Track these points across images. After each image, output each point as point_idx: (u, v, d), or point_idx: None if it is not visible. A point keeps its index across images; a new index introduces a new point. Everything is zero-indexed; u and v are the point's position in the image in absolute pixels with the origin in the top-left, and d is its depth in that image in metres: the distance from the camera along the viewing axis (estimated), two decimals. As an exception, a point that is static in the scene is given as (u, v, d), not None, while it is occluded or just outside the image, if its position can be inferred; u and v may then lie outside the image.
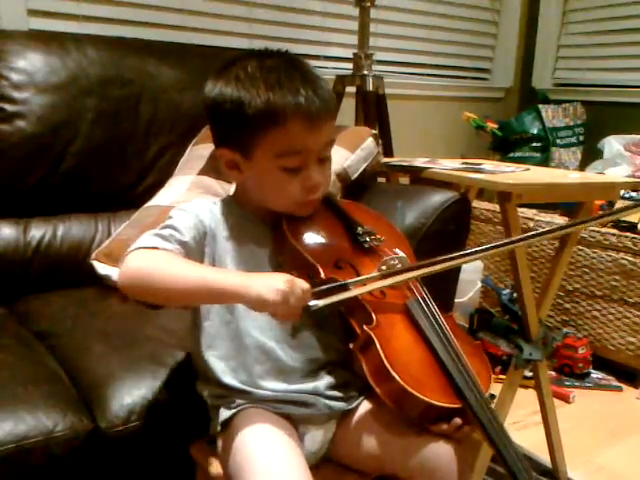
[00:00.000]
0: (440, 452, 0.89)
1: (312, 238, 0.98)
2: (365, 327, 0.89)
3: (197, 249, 0.95)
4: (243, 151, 0.94)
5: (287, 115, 0.90)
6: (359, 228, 1.02)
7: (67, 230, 1.58)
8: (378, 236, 1.02)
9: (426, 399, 0.85)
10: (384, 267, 0.94)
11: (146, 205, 1.60)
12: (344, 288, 0.89)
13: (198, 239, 0.95)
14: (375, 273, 0.93)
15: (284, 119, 0.90)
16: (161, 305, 0.99)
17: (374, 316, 0.91)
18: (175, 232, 0.93)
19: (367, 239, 1.01)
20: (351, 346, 0.91)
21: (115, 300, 1.41)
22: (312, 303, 0.84)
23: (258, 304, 0.82)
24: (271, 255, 0.98)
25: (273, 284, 0.82)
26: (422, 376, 0.88)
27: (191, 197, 1.50)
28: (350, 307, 0.93)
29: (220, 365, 0.96)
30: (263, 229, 1.00)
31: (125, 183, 1.67)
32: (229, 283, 0.84)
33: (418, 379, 0.87)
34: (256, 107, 0.90)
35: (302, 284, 0.84)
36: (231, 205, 1.03)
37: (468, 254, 0.97)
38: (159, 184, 1.65)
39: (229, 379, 0.95)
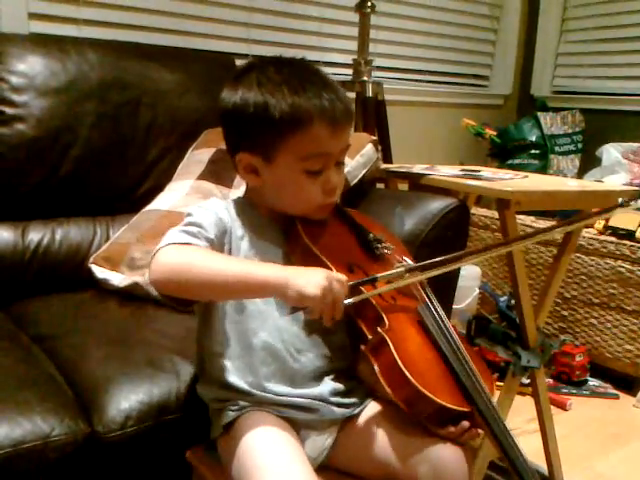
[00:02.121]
0: (444, 455, 0.89)
1: (326, 240, 0.99)
2: (379, 329, 0.90)
3: (219, 247, 0.96)
4: (265, 155, 0.95)
5: (313, 118, 0.91)
6: (370, 235, 1.03)
7: (65, 233, 1.58)
8: (388, 244, 1.04)
9: (439, 401, 0.86)
10: None
11: (145, 209, 1.60)
12: (374, 282, 0.91)
13: (219, 236, 0.96)
14: (401, 269, 0.94)
15: (310, 122, 0.91)
16: (194, 300, 1.00)
17: (386, 319, 0.91)
18: (201, 229, 0.93)
19: (378, 246, 1.02)
20: (362, 348, 0.91)
21: (113, 304, 1.41)
22: (346, 301, 0.86)
23: (298, 299, 0.83)
24: (283, 257, 0.99)
25: (313, 279, 0.83)
26: (434, 379, 0.89)
27: (190, 202, 1.50)
28: (362, 310, 0.93)
29: (227, 364, 0.96)
30: (275, 231, 1.01)
31: (124, 187, 1.67)
32: (270, 277, 0.85)
33: (430, 381, 0.87)
34: (282, 110, 0.91)
35: (340, 277, 0.85)
36: (243, 206, 1.03)
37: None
38: (158, 188, 1.65)
39: (235, 379, 0.95)
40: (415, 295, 1.00)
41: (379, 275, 0.92)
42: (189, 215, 0.97)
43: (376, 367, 0.89)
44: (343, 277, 0.86)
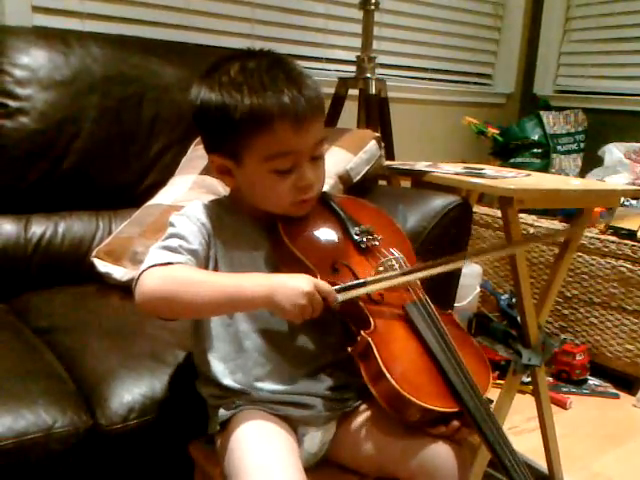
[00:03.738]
0: (440, 452, 0.89)
1: (308, 240, 0.97)
2: (363, 333, 0.89)
3: (205, 254, 0.95)
4: (233, 156, 0.94)
5: (273, 118, 0.88)
6: (356, 228, 1.01)
7: (68, 227, 1.58)
8: (375, 235, 1.01)
9: (423, 404, 0.85)
10: (381, 268, 0.96)
11: (148, 204, 1.60)
12: (362, 285, 0.91)
13: (204, 244, 0.95)
14: (396, 271, 0.94)
15: (271, 122, 0.88)
16: (179, 319, 1.01)
17: (372, 321, 0.91)
18: (183, 241, 0.92)
19: (364, 239, 1.00)
20: (349, 350, 0.91)
21: (115, 297, 1.42)
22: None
23: (280, 314, 0.86)
24: (267, 257, 0.98)
25: (293, 293, 0.84)
26: (420, 381, 0.88)
27: (193, 196, 1.50)
28: (348, 311, 0.93)
29: (220, 367, 0.96)
30: (259, 231, 0.99)
31: (127, 181, 1.67)
32: (255, 293, 0.86)
33: (416, 384, 0.87)
34: (241, 112, 0.89)
35: (324, 287, 0.86)
36: (227, 207, 1.02)
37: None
38: (161, 183, 1.66)
39: (228, 381, 0.95)
40: (405, 293, 0.98)
41: (369, 279, 0.91)
42: (171, 225, 0.96)
43: (362, 371, 0.89)
44: (327, 286, 0.87)
